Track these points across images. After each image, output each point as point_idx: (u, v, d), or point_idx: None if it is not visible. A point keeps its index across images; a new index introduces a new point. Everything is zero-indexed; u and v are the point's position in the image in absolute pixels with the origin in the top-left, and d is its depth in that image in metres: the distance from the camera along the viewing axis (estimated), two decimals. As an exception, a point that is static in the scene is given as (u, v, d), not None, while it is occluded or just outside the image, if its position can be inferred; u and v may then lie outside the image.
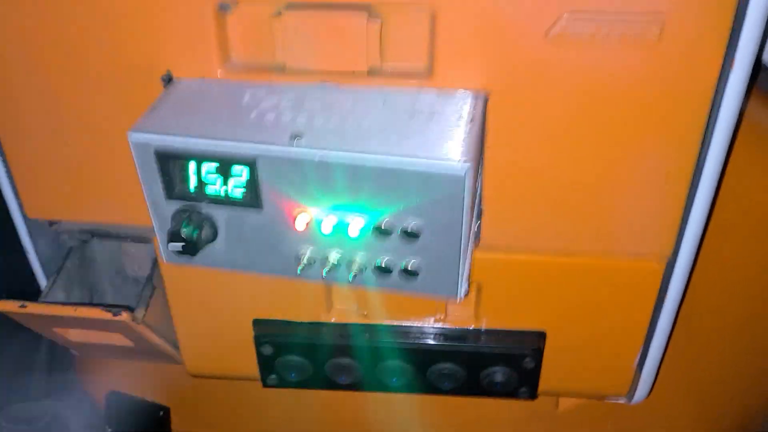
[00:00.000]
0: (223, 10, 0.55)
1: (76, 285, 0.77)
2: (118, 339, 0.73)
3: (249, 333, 0.72)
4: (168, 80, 0.58)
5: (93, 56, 0.58)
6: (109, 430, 1.00)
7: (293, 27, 0.54)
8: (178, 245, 0.54)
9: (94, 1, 0.55)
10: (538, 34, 0.52)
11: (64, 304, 0.71)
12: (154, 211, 0.56)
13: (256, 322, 0.71)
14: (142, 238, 0.73)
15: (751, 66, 0.53)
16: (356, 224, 0.52)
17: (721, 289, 0.78)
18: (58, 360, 1.21)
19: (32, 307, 0.68)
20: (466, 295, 0.57)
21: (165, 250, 0.57)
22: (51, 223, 0.72)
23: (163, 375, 0.97)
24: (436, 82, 0.55)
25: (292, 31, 0.54)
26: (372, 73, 0.56)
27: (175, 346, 0.76)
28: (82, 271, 0.78)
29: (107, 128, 0.61)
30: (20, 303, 0.68)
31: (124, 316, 0.66)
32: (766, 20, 0.51)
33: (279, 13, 0.54)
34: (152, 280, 0.73)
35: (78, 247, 0.77)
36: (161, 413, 0.99)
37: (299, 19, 0.54)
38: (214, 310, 0.73)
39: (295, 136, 0.50)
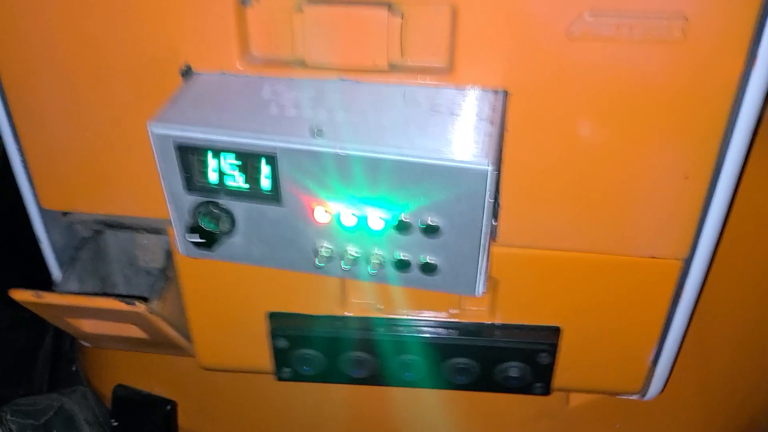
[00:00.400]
0: (243, 3, 0.55)
1: (89, 276, 0.77)
2: (131, 330, 0.73)
3: (262, 326, 0.72)
4: (187, 73, 0.57)
5: (112, 48, 0.58)
6: (115, 423, 1.00)
7: (313, 22, 0.54)
8: (197, 237, 0.54)
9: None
10: (559, 32, 0.52)
11: (79, 294, 0.71)
12: (172, 204, 0.56)
13: (272, 315, 0.71)
14: (156, 230, 0.73)
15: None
16: (377, 218, 0.52)
17: (736, 289, 0.78)
18: (64, 353, 1.21)
19: (48, 297, 0.68)
20: (485, 292, 0.57)
21: (182, 242, 0.57)
22: (64, 214, 0.72)
23: (170, 369, 0.97)
24: (456, 80, 0.55)
25: (312, 25, 0.54)
26: (392, 69, 0.55)
27: (188, 338, 0.77)
28: (95, 262, 0.78)
29: (124, 120, 0.61)
30: (35, 293, 0.68)
31: (140, 306, 0.66)
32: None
33: (299, 8, 0.54)
34: (166, 272, 0.73)
35: (91, 238, 0.77)
36: (168, 407, 0.99)
37: (320, 13, 0.54)
38: (227, 303, 0.73)
39: (316, 131, 0.50)
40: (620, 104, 0.55)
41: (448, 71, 0.55)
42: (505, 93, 0.55)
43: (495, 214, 0.61)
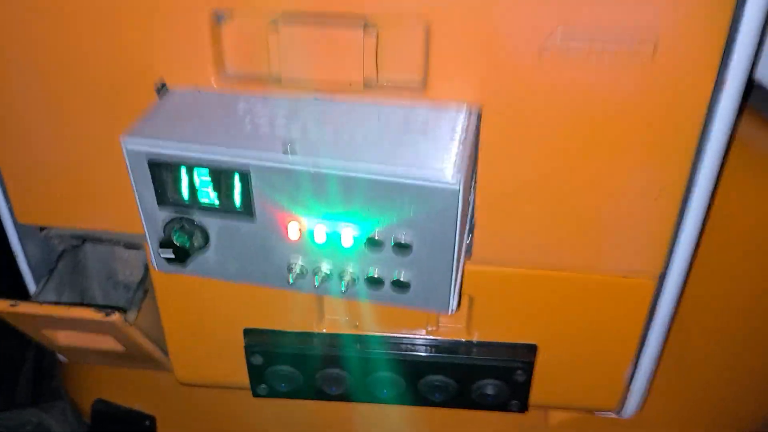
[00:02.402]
0: (218, 20, 0.55)
1: (67, 288, 0.77)
2: (107, 342, 0.72)
3: (239, 342, 0.72)
4: (161, 89, 0.58)
5: (88, 63, 0.58)
6: (94, 438, 0.99)
7: (289, 39, 0.54)
8: (169, 253, 0.54)
9: (90, 8, 0.55)
10: (532, 49, 0.52)
11: (56, 303, 0.71)
12: (145, 218, 0.55)
13: (247, 332, 0.71)
14: (134, 245, 0.73)
15: (744, 84, 0.53)
16: (349, 234, 0.52)
17: (714, 306, 0.78)
18: (45, 368, 1.20)
19: (24, 307, 0.67)
20: (458, 308, 0.57)
21: (156, 257, 0.57)
22: (41, 228, 0.72)
23: (149, 384, 0.96)
24: (430, 96, 0.56)
25: (287, 42, 0.54)
26: (367, 85, 0.56)
27: (166, 352, 0.76)
28: (74, 275, 0.78)
29: (100, 135, 0.61)
30: (11, 302, 0.67)
31: (116, 317, 0.66)
32: (758, 39, 0.51)
33: (274, 25, 0.54)
34: (144, 285, 0.73)
35: (70, 251, 0.76)
36: (147, 422, 0.98)
37: (295, 31, 0.54)
38: (204, 318, 0.72)
39: (288, 147, 0.50)
40: (592, 123, 0.55)
41: (422, 89, 0.56)
42: (479, 111, 0.55)
43: (470, 231, 0.62)
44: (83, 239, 0.74)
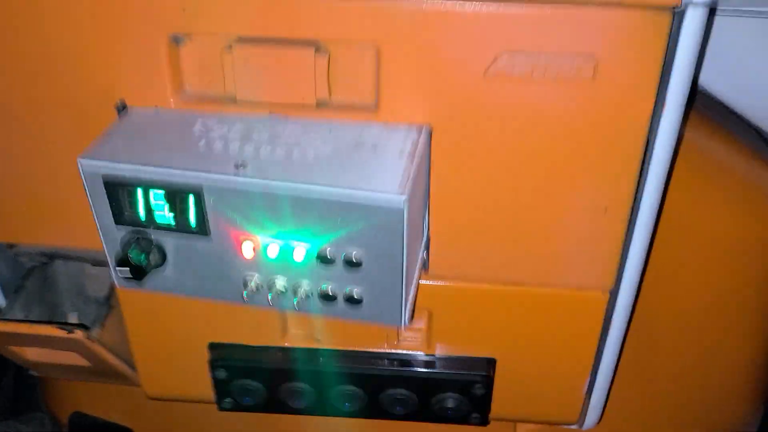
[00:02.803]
0: (176, 42, 0.57)
1: (36, 305, 0.78)
2: (74, 358, 0.73)
3: (205, 356, 0.73)
4: (122, 108, 0.59)
5: (49, 84, 0.59)
6: (72, 451, 1.00)
7: (243, 60, 0.56)
8: (126, 270, 0.55)
9: (49, 28, 0.57)
10: (478, 71, 0.54)
11: (19, 321, 0.72)
12: (103, 237, 0.57)
13: (212, 346, 0.72)
14: (102, 261, 0.73)
15: (684, 103, 0.55)
16: (301, 251, 0.54)
17: (668, 315, 0.80)
18: (25, 380, 1.21)
19: (-13, 323, 0.68)
20: (410, 322, 0.58)
21: (115, 274, 0.58)
22: (10, 246, 0.73)
23: (127, 397, 0.97)
24: (382, 116, 0.57)
25: (242, 64, 0.56)
26: (320, 105, 0.57)
27: (133, 366, 0.77)
28: (43, 292, 0.79)
29: (63, 154, 0.62)
30: (-25, 319, 0.69)
31: (79, 334, 0.67)
32: (695, 59, 0.53)
33: (230, 47, 0.56)
34: (110, 300, 0.74)
35: (39, 267, 0.77)
36: (124, 435, 0.99)
37: (249, 52, 0.56)
38: (170, 333, 0.73)
39: (239, 166, 0.52)
40: (537, 141, 0.57)
41: (373, 108, 0.57)
42: (429, 129, 0.57)
43: (425, 247, 0.63)
44: (52, 256, 0.75)
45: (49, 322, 0.68)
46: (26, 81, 0.59)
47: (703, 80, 0.80)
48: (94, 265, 0.75)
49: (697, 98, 0.79)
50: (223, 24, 0.55)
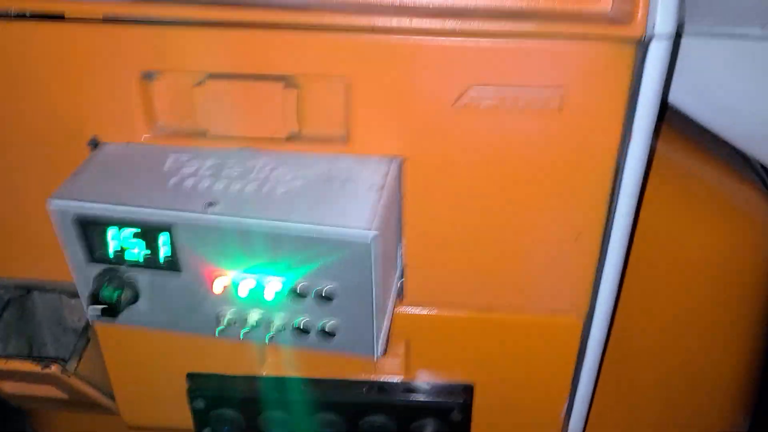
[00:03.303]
0: (147, 78, 0.57)
1: (14, 336, 0.78)
2: (51, 391, 0.73)
3: (184, 385, 0.73)
4: (94, 145, 0.59)
5: (22, 121, 0.59)
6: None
7: (214, 95, 0.56)
8: (99, 308, 0.55)
9: (19, 67, 0.57)
10: (447, 103, 0.54)
11: (-3, 356, 0.72)
12: (76, 274, 0.57)
13: (190, 376, 0.72)
14: (77, 294, 0.73)
15: (651, 131, 0.55)
16: (272, 287, 0.54)
17: (646, 332, 0.80)
18: (10, 407, 1.20)
19: (-39, 358, 0.68)
20: (385, 352, 0.58)
21: (88, 311, 0.58)
22: (-14, 279, 0.73)
23: (113, 424, 0.96)
24: (353, 148, 0.57)
25: (212, 99, 0.56)
26: (291, 138, 0.58)
27: (113, 397, 0.77)
28: (22, 323, 0.79)
29: (38, 191, 0.61)
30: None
31: (54, 368, 0.67)
32: (661, 90, 0.53)
33: (201, 83, 0.56)
34: (88, 332, 0.74)
35: (16, 299, 0.77)
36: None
37: (219, 88, 0.56)
38: (148, 363, 0.73)
39: (210, 204, 0.52)
40: (508, 171, 0.57)
41: (345, 140, 0.58)
42: (400, 160, 0.57)
43: (400, 276, 0.63)
44: (29, 288, 0.75)
45: (25, 357, 0.68)
46: (4, 116, 0.59)
47: (675, 99, 0.81)
48: (70, 297, 0.74)
49: (668, 113, 0.80)
50: (193, 62, 0.55)
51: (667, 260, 0.78)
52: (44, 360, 0.66)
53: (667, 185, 0.76)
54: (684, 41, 0.75)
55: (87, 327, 0.73)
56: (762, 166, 0.90)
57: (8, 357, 0.68)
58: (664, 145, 0.75)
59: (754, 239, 0.81)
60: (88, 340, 0.72)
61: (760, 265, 0.82)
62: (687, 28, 0.73)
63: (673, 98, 0.80)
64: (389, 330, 0.60)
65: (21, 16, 0.54)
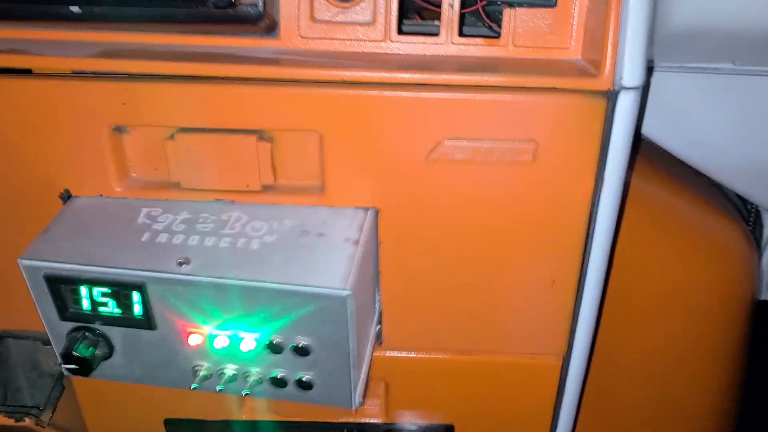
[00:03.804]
0: (118, 131, 0.56)
1: (-11, 383, 0.76)
2: (28, 441, 0.72)
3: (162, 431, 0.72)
4: (66, 198, 0.59)
5: (-7, 176, 0.59)
6: None
7: (186, 148, 0.56)
8: (73, 366, 0.55)
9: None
10: (421, 156, 0.54)
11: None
12: (49, 330, 0.56)
13: (167, 422, 0.71)
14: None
15: (623, 177, 0.56)
16: (249, 341, 0.54)
17: (623, 371, 0.81)
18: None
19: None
20: (363, 402, 0.58)
21: (63, 367, 0.57)
22: (-42, 328, 0.71)
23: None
24: (328, 199, 0.57)
25: (184, 152, 0.56)
26: (266, 189, 0.57)
27: (90, 443, 0.76)
28: (-5, 369, 0.77)
29: (9, 245, 0.61)
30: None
31: (27, 421, 0.66)
32: (631, 144, 0.54)
33: (172, 136, 0.56)
34: (62, 380, 0.73)
35: (-11, 346, 0.76)
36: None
37: (191, 140, 0.56)
38: (125, 410, 0.72)
39: (182, 263, 0.52)
40: (483, 219, 0.57)
41: (320, 191, 0.57)
42: (375, 211, 0.57)
43: (378, 322, 0.63)
44: (2, 336, 0.74)
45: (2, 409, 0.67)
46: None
47: (648, 131, 0.82)
48: (44, 344, 0.73)
49: (642, 145, 0.81)
50: (163, 117, 0.55)
51: (643, 292, 0.78)
52: (18, 412, 0.65)
53: (643, 217, 0.77)
54: (657, 75, 0.76)
55: (62, 375, 0.72)
56: (738, 196, 0.91)
57: (-21, 411, 0.67)
58: (638, 179, 0.75)
59: (729, 268, 0.82)
60: (63, 388, 0.71)
61: (735, 293, 0.83)
62: (660, 63, 0.74)
63: (647, 131, 0.81)
64: (368, 376, 0.60)
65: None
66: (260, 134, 0.55)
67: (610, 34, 0.50)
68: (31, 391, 0.82)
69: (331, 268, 0.51)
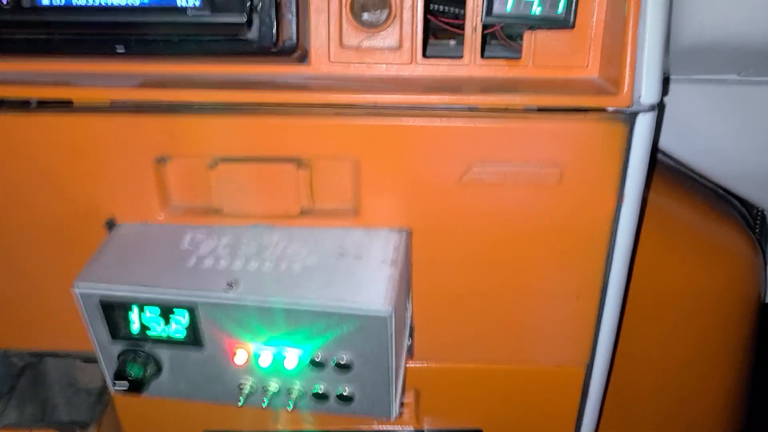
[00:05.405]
0: (161, 162, 0.59)
1: (29, 402, 0.79)
2: (71, 457, 0.74)
3: (201, 445, 0.75)
4: (111, 225, 0.61)
5: (41, 203, 0.61)
6: None
7: (227, 177, 0.59)
8: (125, 383, 0.57)
9: (37, 155, 0.59)
10: (453, 179, 0.57)
11: (17, 427, 0.73)
12: (100, 351, 0.59)
13: (206, 435, 0.74)
14: (92, 359, 0.75)
15: (640, 199, 0.59)
16: (292, 358, 0.56)
17: (637, 377, 0.84)
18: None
19: (-16, 432, 0.69)
20: (400, 413, 0.61)
21: (113, 386, 0.60)
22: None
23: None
24: (362, 221, 0.60)
25: (226, 180, 0.59)
26: (304, 214, 0.60)
27: (130, 457, 0.78)
28: (34, 388, 0.80)
29: (54, 270, 0.64)
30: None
31: (76, 436, 0.68)
32: (648, 165, 0.57)
33: (213, 165, 0.58)
34: (104, 397, 0.75)
35: (29, 366, 0.79)
36: None
37: (232, 169, 0.58)
38: (165, 423, 0.75)
39: (231, 284, 0.55)
40: (511, 238, 0.60)
41: (355, 214, 0.60)
42: (408, 232, 0.60)
43: (410, 335, 0.66)
44: (41, 355, 0.76)
45: (48, 425, 0.70)
46: (20, 201, 0.61)
47: (664, 143, 0.85)
48: (83, 361, 0.76)
49: (658, 161, 0.84)
50: (206, 147, 0.58)
51: (653, 299, 0.81)
52: (66, 428, 0.68)
53: (652, 226, 0.80)
54: (673, 87, 0.79)
55: (102, 392, 0.75)
56: (743, 202, 0.94)
57: (31, 428, 0.69)
58: (654, 194, 0.78)
59: (735, 273, 0.85)
60: (106, 405, 0.74)
61: (742, 297, 0.86)
62: (671, 75, 0.77)
63: (663, 143, 0.84)
64: (403, 389, 0.63)
65: (26, 104, 0.57)
66: (299, 162, 0.58)
67: (629, 52, 0.53)
68: (67, 408, 0.85)
69: (371, 288, 0.54)
